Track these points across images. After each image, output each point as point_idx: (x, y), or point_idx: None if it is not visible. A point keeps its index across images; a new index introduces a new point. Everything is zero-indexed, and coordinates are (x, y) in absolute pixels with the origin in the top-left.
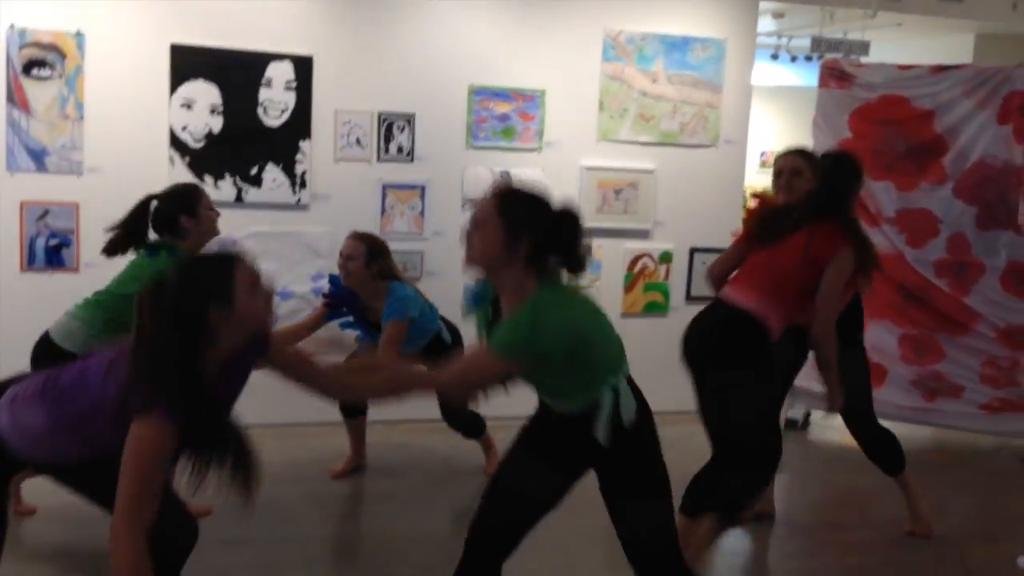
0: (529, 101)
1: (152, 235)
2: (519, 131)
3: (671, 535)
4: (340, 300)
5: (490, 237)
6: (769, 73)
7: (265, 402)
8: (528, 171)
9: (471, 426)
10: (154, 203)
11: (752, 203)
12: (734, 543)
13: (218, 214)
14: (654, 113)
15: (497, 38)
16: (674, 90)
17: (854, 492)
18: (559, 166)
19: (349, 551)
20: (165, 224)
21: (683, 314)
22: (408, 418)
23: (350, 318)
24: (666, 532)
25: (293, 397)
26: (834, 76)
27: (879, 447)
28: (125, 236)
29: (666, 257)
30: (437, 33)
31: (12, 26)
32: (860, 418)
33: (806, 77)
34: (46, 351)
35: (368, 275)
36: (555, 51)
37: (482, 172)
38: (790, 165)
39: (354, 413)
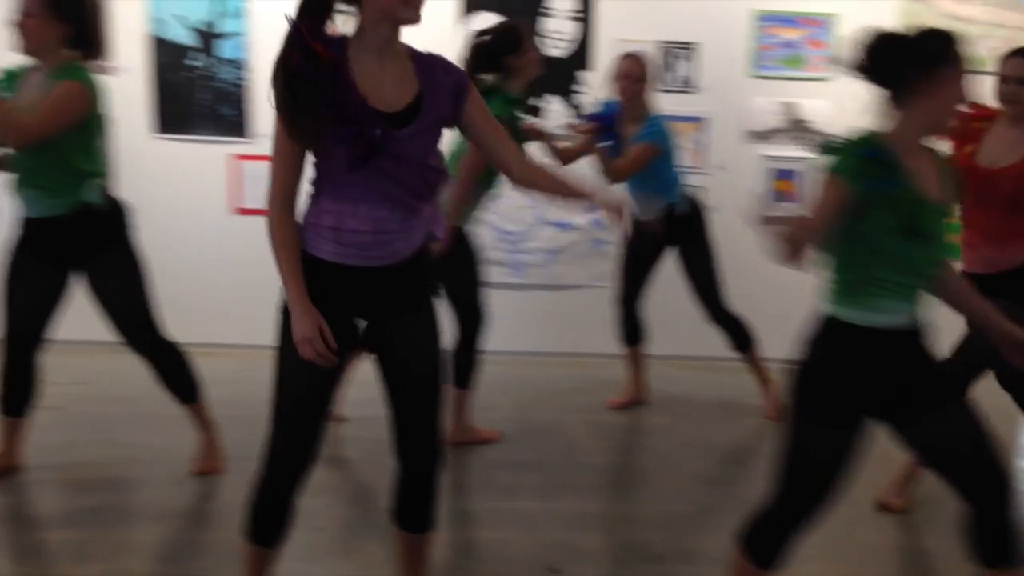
0: (819, 26)
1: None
2: (807, 59)
3: None
4: (605, 122)
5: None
6: None
7: (548, 331)
8: (817, 102)
9: (734, 327)
10: (481, 39)
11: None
12: None
13: (540, 53)
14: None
15: None
16: (984, 11)
17: None
18: (851, 97)
19: (628, 482)
20: (490, 63)
21: None
22: (686, 355)
23: (612, 141)
24: None
25: (576, 327)
26: None
27: None
28: None
29: None
30: None
31: None
32: None
33: None
34: None
35: (642, 93)
36: None
37: (766, 103)
38: (1019, 71)
39: (633, 340)
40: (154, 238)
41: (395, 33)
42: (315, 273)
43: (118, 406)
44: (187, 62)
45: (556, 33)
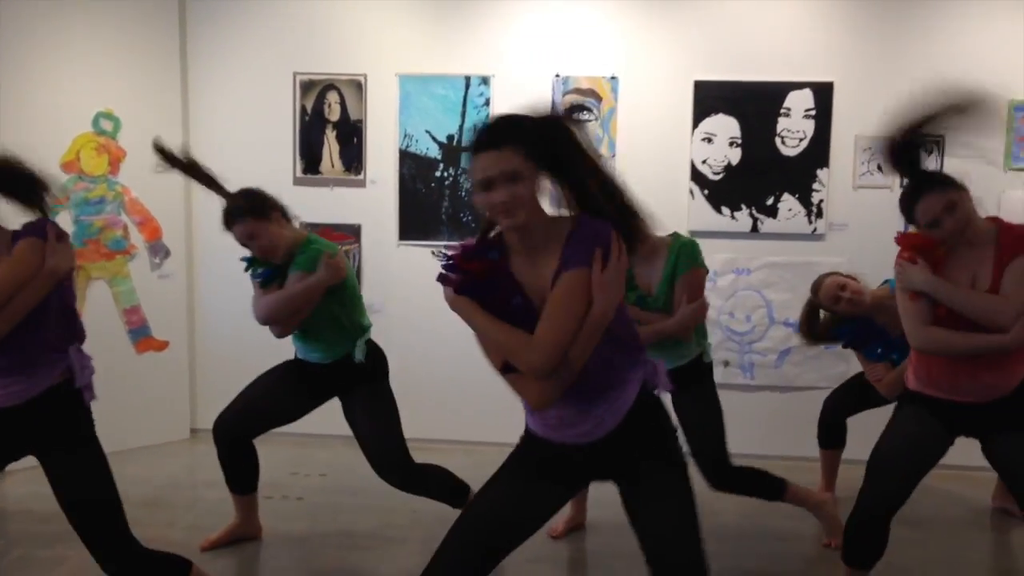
0: None
1: None
2: None
3: None
4: (853, 340)
5: None
6: None
7: (777, 434)
8: None
9: None
10: None
11: None
12: None
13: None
14: None
15: None
16: None
17: None
18: None
19: None
20: None
21: None
22: None
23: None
24: None
25: (807, 430)
26: None
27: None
28: None
29: None
30: (970, 47)
31: (557, 75)
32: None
33: None
34: None
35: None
36: None
37: (1021, 196)
38: None
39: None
40: (398, 338)
41: (521, 235)
42: (531, 442)
43: (354, 497)
44: (433, 173)
45: (792, 132)
